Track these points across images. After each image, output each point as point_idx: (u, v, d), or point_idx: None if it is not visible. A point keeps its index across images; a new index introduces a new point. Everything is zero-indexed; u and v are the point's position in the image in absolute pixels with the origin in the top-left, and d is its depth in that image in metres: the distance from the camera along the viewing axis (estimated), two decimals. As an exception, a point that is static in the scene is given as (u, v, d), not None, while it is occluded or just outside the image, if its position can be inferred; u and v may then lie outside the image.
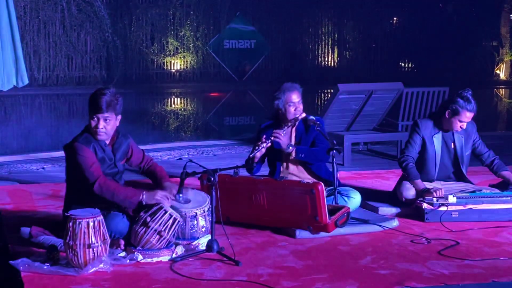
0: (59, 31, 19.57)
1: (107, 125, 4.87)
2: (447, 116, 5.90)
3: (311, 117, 5.72)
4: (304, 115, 5.71)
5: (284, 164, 5.81)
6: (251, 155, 5.61)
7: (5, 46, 6.92)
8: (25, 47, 17.76)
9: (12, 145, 10.76)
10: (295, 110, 5.71)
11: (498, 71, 23.36)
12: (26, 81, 7.26)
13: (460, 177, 6.11)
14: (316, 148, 5.72)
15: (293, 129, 5.83)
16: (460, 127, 5.90)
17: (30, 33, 18.96)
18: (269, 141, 5.59)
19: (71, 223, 4.33)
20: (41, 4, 19.12)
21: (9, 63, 6.97)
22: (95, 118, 4.86)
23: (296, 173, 5.78)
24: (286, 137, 5.69)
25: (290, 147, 5.66)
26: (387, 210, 5.88)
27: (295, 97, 5.71)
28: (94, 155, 4.85)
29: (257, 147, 5.57)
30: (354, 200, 5.70)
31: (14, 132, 12.47)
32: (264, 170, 6.04)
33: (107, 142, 4.99)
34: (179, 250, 4.72)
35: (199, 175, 5.09)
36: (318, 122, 5.67)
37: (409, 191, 5.89)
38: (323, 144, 5.67)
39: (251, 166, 5.66)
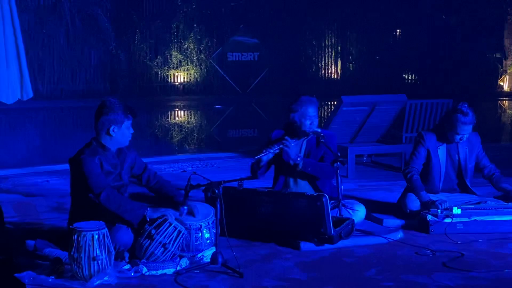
0: (64, 45, 19.63)
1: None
2: (445, 131, 5.95)
3: (318, 129, 5.70)
4: (319, 130, 5.70)
5: (289, 177, 5.80)
6: (256, 157, 5.59)
7: (10, 60, 6.96)
8: (29, 60, 17.81)
9: (17, 158, 10.77)
10: (310, 124, 5.70)
11: (501, 83, 23.35)
12: (31, 95, 7.29)
13: (464, 188, 6.11)
14: (324, 163, 5.69)
15: (304, 142, 5.81)
16: (461, 138, 5.92)
17: (35, 47, 19.01)
18: (278, 147, 5.57)
19: (76, 236, 4.34)
20: (45, 18, 19.19)
21: (14, 76, 7.00)
22: (131, 125, 5.01)
23: (301, 187, 5.76)
24: (296, 148, 5.67)
25: (298, 158, 5.64)
26: (391, 222, 5.88)
27: (312, 111, 5.70)
28: (99, 167, 4.87)
29: (264, 150, 5.55)
30: (359, 212, 5.68)
31: (19, 145, 12.49)
32: (268, 181, 6.03)
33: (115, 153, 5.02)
34: (184, 262, 4.72)
35: (203, 188, 5.09)
36: (322, 134, 5.65)
37: (414, 203, 5.89)
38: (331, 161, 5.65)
39: (256, 170, 5.66)
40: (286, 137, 5.63)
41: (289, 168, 5.72)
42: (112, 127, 4.93)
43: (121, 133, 4.96)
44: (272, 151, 5.55)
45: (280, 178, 5.82)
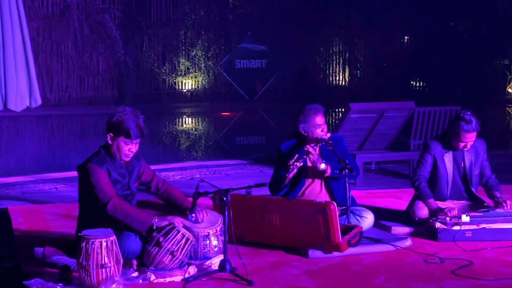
0: (72, 52, 19.69)
1: (137, 147, 4.94)
2: (450, 138, 5.95)
3: (324, 137, 5.68)
4: (329, 135, 5.69)
5: (307, 182, 5.78)
6: (286, 174, 5.52)
7: (19, 67, 6.98)
8: (38, 68, 17.86)
9: (25, 165, 10.80)
10: (321, 131, 5.69)
11: (509, 90, 23.31)
12: (39, 102, 7.31)
13: (472, 196, 6.10)
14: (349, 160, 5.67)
15: (317, 149, 5.79)
16: (464, 146, 5.92)
17: (43, 54, 19.07)
18: (301, 159, 5.55)
19: (84, 243, 4.34)
20: (53, 25, 19.25)
21: (22, 84, 7.02)
22: (134, 142, 4.88)
23: (315, 193, 5.73)
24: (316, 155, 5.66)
25: (323, 165, 5.61)
26: (400, 229, 5.87)
27: (320, 119, 5.69)
28: (107, 176, 4.86)
29: (291, 167, 5.49)
30: (367, 219, 5.67)
31: (27, 152, 12.51)
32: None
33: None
34: (192, 270, 4.72)
35: (211, 195, 5.10)
36: (330, 142, 5.64)
37: (422, 211, 5.88)
38: (350, 159, 5.65)
39: (281, 187, 5.60)
40: (308, 146, 5.61)
41: (306, 174, 5.70)
42: (108, 135, 4.92)
43: (116, 145, 4.89)
44: (297, 165, 5.53)
45: (299, 185, 5.75)
